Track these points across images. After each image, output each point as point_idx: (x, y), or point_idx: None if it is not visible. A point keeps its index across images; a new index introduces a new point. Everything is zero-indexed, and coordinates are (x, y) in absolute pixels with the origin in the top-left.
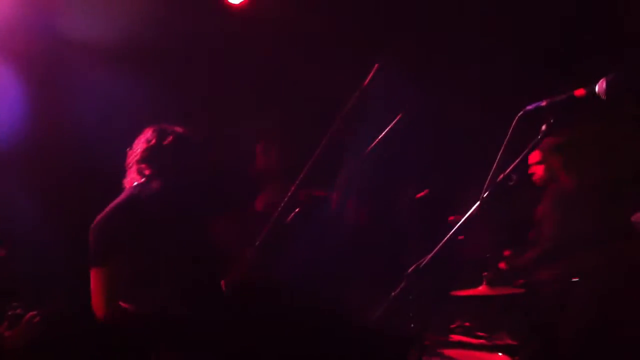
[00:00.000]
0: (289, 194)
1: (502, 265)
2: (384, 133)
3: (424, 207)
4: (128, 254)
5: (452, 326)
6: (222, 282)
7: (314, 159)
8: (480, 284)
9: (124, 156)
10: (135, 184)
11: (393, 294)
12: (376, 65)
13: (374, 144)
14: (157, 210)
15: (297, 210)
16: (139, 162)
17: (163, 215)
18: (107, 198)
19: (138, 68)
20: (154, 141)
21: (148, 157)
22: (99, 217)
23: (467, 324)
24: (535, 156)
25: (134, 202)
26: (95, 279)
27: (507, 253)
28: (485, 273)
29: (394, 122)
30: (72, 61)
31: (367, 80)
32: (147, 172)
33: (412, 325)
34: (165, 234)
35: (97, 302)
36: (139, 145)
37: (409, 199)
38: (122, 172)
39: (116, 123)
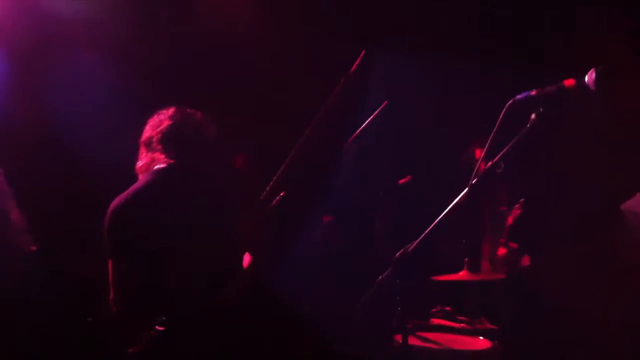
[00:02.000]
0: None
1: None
2: (367, 122)
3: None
4: (154, 242)
5: (433, 310)
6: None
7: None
8: (461, 269)
9: (105, 149)
10: (157, 167)
11: (380, 278)
12: (363, 52)
13: (356, 132)
14: (187, 197)
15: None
16: (162, 140)
17: (193, 204)
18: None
19: (123, 61)
20: (179, 117)
21: (174, 134)
22: (117, 202)
23: (447, 308)
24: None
25: (163, 187)
26: (115, 270)
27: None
28: (467, 259)
29: (377, 111)
30: (57, 50)
31: (353, 67)
32: (172, 152)
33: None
34: (194, 222)
35: (115, 295)
36: (161, 122)
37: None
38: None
39: (99, 115)
